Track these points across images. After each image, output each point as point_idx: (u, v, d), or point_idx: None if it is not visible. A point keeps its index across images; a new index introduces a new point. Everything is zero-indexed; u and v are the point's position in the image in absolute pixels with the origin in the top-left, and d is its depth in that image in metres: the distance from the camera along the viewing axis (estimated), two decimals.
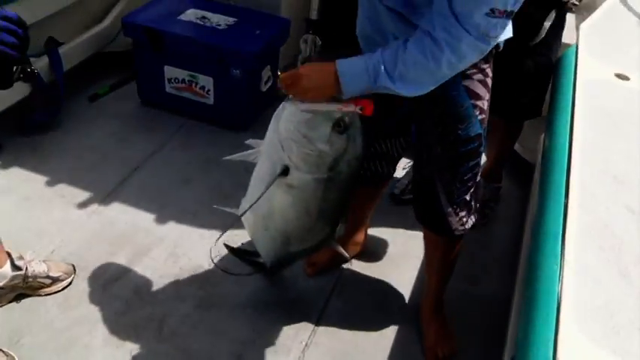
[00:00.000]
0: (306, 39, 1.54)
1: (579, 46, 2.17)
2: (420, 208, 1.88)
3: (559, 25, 2.26)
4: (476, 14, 1.31)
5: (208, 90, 2.88)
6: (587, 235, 1.36)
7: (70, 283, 2.11)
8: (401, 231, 2.50)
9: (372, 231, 2.45)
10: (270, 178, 1.60)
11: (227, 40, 2.76)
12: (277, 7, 3.08)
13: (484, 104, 1.67)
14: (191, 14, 2.93)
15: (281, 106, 1.55)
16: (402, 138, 1.94)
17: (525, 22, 2.10)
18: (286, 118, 1.52)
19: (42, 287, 2.04)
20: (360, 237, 2.33)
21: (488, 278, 2.37)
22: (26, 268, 1.97)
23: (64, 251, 2.25)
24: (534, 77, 2.25)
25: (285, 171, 1.57)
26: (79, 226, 2.38)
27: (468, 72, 1.59)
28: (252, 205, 1.67)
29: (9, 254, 1.96)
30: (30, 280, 1.99)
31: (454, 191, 1.77)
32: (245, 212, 1.75)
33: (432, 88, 1.45)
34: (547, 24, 2.17)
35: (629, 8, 2.45)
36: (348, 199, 1.70)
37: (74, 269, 2.14)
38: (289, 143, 1.53)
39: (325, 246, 1.86)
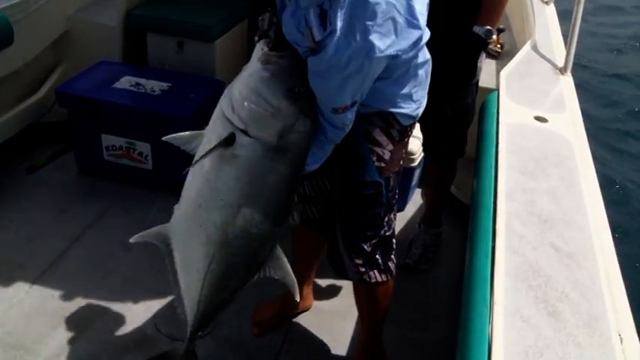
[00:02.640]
0: (264, 17, 1.57)
1: (500, 92, 2.29)
2: (328, 248, 1.94)
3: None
4: (326, 113, 1.52)
5: (146, 155, 2.88)
6: (515, 275, 1.41)
7: None
8: (346, 282, 2.51)
9: (317, 282, 2.46)
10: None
11: (162, 105, 2.79)
12: (212, 71, 3.14)
13: (384, 153, 1.71)
14: (125, 82, 2.95)
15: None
16: (325, 179, 1.95)
17: (459, 64, 2.22)
18: (244, 78, 1.51)
19: None
20: (306, 290, 2.33)
21: (437, 324, 2.37)
22: None
23: (1, 331, 2.18)
24: (453, 120, 2.36)
25: (230, 139, 1.49)
26: (16, 303, 2.31)
27: (371, 118, 1.67)
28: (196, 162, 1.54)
29: None
30: None
31: (348, 233, 1.82)
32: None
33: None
34: (480, 65, 2.30)
35: (542, 56, 2.61)
36: (293, 193, 1.60)
37: None
38: (241, 103, 1.49)
39: (267, 257, 1.62)
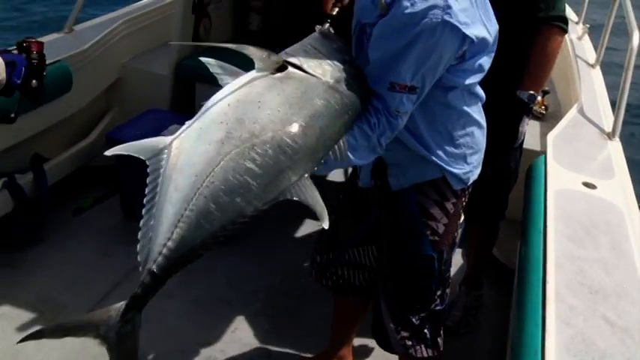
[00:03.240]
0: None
1: (548, 156, 2.28)
2: (373, 319, 1.90)
3: None
4: (382, 92, 1.44)
5: None
6: (567, 348, 1.38)
7: None
8: None
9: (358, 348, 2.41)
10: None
11: None
12: None
13: (438, 227, 1.70)
14: (173, 130, 2.98)
15: None
16: (373, 246, 1.95)
17: (502, 128, 2.22)
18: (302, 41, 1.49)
19: None
20: (345, 351, 2.30)
21: None
22: None
23: None
24: (495, 183, 2.34)
25: (281, 68, 1.38)
26: (58, 345, 2.33)
27: (424, 189, 1.67)
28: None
29: None
30: None
31: (396, 305, 1.78)
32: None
33: (371, 156, 1.50)
34: (523, 129, 2.28)
35: (589, 120, 2.60)
36: (332, 141, 1.39)
37: None
38: (297, 49, 1.45)
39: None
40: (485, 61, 1.58)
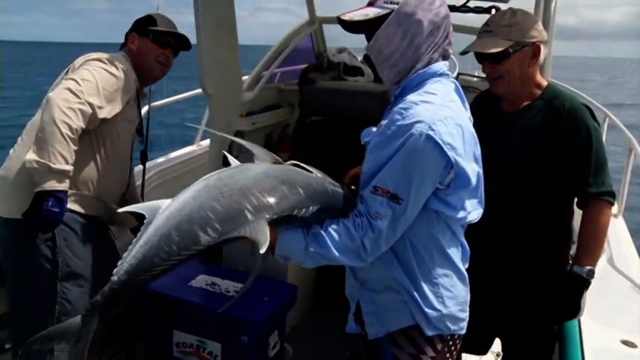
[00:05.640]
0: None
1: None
2: None
3: None
4: (365, 193, 1.59)
5: (216, 355, 2.87)
6: None
7: None
8: None
9: None
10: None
11: (236, 308, 2.83)
12: (284, 274, 3.23)
13: None
14: (201, 280, 3.04)
15: None
16: None
17: (563, 302, 2.18)
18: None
19: None
20: None
21: None
22: None
23: None
24: (540, 348, 2.29)
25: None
26: None
27: (399, 341, 1.70)
28: None
29: None
30: None
31: None
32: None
33: (357, 260, 1.60)
34: (583, 305, 2.23)
35: (619, 271, 2.58)
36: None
37: None
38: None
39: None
40: (471, 206, 1.68)
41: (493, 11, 4.00)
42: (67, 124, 2.20)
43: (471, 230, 2.41)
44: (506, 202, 2.24)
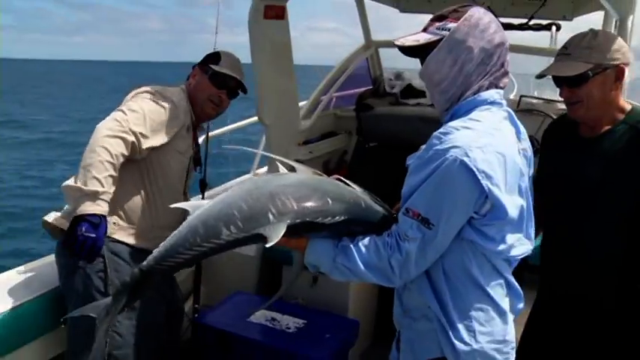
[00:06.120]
0: None
1: None
2: None
3: None
4: (399, 214, 1.58)
5: None
6: None
7: None
8: None
9: None
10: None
11: (298, 345, 2.74)
12: (345, 308, 3.12)
13: None
14: (260, 315, 2.97)
15: None
16: None
17: None
18: None
19: None
20: None
21: None
22: None
23: None
24: None
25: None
26: None
27: None
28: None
29: None
30: None
31: None
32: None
33: (384, 279, 1.60)
34: None
35: None
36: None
37: None
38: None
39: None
40: (514, 240, 1.60)
41: (553, 28, 3.88)
42: (107, 149, 2.21)
43: (547, 267, 2.26)
44: (583, 235, 2.09)
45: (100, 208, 2.20)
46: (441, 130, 1.56)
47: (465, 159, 1.46)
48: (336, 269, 1.62)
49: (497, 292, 1.65)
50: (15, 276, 2.58)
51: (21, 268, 2.65)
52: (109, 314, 1.59)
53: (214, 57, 2.72)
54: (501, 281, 1.66)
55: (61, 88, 56.94)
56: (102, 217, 2.20)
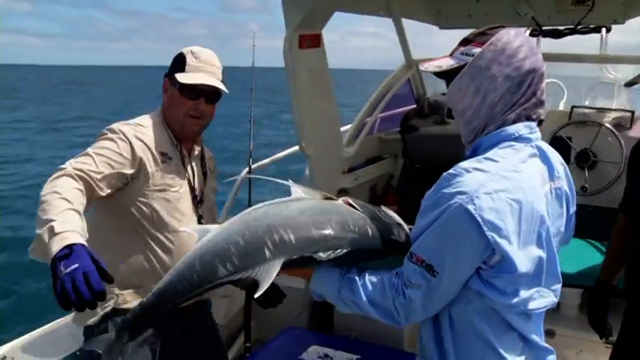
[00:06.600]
0: None
1: None
2: None
3: None
4: (405, 259, 1.46)
5: None
6: None
7: None
8: None
9: None
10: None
11: None
12: (400, 341, 3.00)
13: None
14: (313, 352, 2.88)
15: None
16: None
17: None
18: None
19: None
20: None
21: None
22: None
23: None
24: None
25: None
26: None
27: None
28: None
29: None
30: None
31: None
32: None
33: (388, 318, 1.50)
34: None
35: None
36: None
37: None
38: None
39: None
40: (531, 294, 1.43)
41: (603, 30, 3.70)
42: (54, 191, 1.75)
43: (632, 294, 2.08)
44: None
45: (66, 240, 1.57)
46: (452, 170, 1.42)
47: (470, 207, 1.32)
48: (340, 301, 1.55)
49: (509, 347, 1.47)
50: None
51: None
52: (112, 351, 1.55)
53: (178, 63, 2.19)
54: (514, 335, 1.48)
55: (109, 92, 58.31)
56: (71, 246, 1.55)
